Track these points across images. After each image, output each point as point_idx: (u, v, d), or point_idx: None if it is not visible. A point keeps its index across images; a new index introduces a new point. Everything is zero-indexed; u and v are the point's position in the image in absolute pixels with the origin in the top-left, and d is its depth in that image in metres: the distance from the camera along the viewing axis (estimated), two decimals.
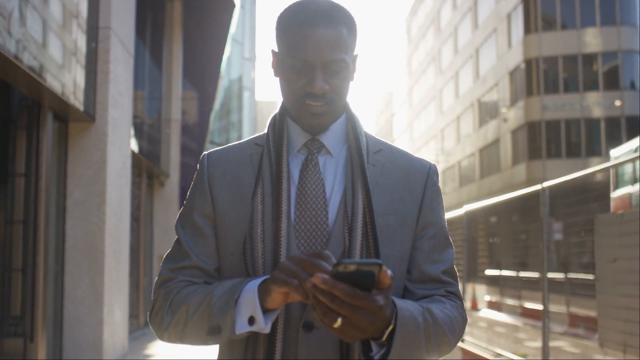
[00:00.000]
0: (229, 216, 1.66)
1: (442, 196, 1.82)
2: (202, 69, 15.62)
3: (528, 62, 39.06)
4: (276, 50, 1.69)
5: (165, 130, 13.97)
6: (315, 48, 1.56)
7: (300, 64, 1.59)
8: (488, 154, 45.58)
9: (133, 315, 12.00)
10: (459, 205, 37.67)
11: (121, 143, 9.17)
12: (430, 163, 1.80)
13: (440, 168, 58.40)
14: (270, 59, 1.77)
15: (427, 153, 63.66)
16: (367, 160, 1.70)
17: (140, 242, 12.80)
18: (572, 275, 10.40)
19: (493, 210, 6.90)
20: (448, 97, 56.00)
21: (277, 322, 1.54)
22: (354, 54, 1.69)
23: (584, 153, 37.71)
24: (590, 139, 37.96)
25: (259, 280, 1.50)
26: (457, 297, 1.72)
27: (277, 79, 1.71)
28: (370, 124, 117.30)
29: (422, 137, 65.93)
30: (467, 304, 10.29)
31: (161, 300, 1.64)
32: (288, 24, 1.62)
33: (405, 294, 1.68)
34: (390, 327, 1.43)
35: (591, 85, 38.19)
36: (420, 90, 67.35)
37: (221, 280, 1.65)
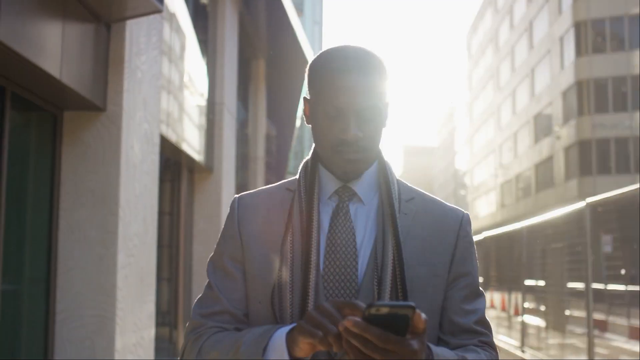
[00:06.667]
0: (258, 263, 1.64)
1: (475, 248, 1.79)
2: (282, 114, 18.83)
3: (579, 83, 41.21)
4: (308, 97, 1.68)
5: (253, 167, 17.18)
6: (347, 95, 1.55)
7: (333, 112, 1.57)
8: (543, 170, 47.63)
9: None
10: (517, 218, 39.72)
11: (229, 186, 12.39)
12: (464, 212, 1.75)
13: (499, 182, 60.46)
14: (302, 106, 1.74)
15: (486, 167, 65.69)
16: (399, 209, 1.65)
17: None
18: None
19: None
20: (506, 113, 58.04)
21: None
22: (386, 101, 1.66)
23: (633, 169, 39.67)
24: (639, 156, 39.88)
25: (287, 328, 1.47)
26: (492, 348, 1.66)
27: (310, 126, 1.69)
28: (433, 137, 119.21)
29: (482, 151, 67.84)
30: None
31: (191, 346, 1.65)
32: (320, 71, 1.62)
33: (439, 345, 1.63)
34: None
35: None
36: (479, 106, 69.29)
37: (250, 326, 1.63)
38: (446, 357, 1.47)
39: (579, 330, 7.51)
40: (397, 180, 1.73)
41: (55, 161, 6.21)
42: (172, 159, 10.74)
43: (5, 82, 5.33)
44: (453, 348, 1.61)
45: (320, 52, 1.67)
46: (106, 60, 6.36)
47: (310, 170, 1.70)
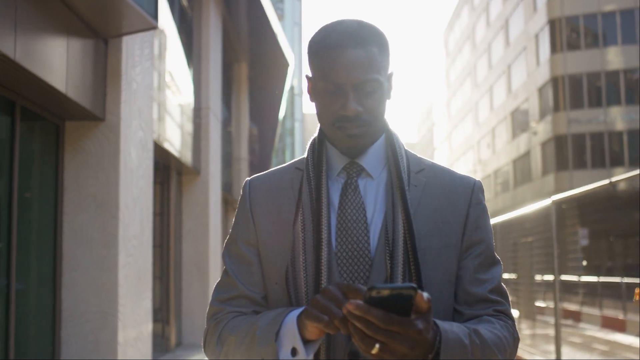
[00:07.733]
0: (271, 244, 1.64)
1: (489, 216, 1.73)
2: (264, 114, 19.32)
3: (554, 80, 41.85)
4: (310, 75, 1.67)
5: (236, 166, 17.63)
6: (345, 70, 1.54)
7: (332, 87, 1.56)
8: (521, 165, 48.25)
9: None
10: (496, 213, 40.29)
11: (215, 188, 12.86)
12: (475, 180, 1.72)
13: (477, 177, 60.64)
14: (305, 84, 1.71)
15: (465, 163, 66.26)
16: (408, 181, 1.64)
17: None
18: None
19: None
20: (483, 109, 58.63)
21: (321, 350, 1.52)
22: (389, 72, 1.64)
23: (608, 164, 40.46)
24: (613, 150, 40.70)
25: (298, 312, 1.48)
26: (507, 316, 1.64)
27: (313, 103, 1.67)
28: (412, 133, 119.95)
29: (461, 148, 68.31)
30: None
31: (212, 331, 1.66)
32: (318, 48, 1.60)
33: (454, 315, 1.62)
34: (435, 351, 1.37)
35: (614, 100, 40.95)
36: (457, 102, 69.75)
37: (269, 308, 1.64)
38: (455, 332, 1.43)
39: (552, 320, 8.07)
40: (406, 151, 1.71)
41: (59, 168, 6.64)
42: (161, 162, 11.18)
43: (16, 98, 5.77)
44: (468, 319, 1.60)
45: (319, 28, 1.65)
46: (104, 73, 6.80)
47: (317, 147, 1.69)
